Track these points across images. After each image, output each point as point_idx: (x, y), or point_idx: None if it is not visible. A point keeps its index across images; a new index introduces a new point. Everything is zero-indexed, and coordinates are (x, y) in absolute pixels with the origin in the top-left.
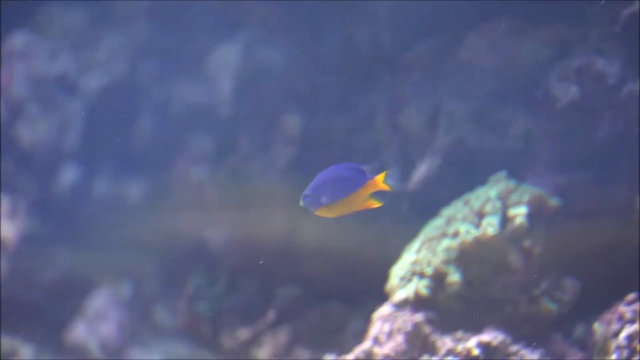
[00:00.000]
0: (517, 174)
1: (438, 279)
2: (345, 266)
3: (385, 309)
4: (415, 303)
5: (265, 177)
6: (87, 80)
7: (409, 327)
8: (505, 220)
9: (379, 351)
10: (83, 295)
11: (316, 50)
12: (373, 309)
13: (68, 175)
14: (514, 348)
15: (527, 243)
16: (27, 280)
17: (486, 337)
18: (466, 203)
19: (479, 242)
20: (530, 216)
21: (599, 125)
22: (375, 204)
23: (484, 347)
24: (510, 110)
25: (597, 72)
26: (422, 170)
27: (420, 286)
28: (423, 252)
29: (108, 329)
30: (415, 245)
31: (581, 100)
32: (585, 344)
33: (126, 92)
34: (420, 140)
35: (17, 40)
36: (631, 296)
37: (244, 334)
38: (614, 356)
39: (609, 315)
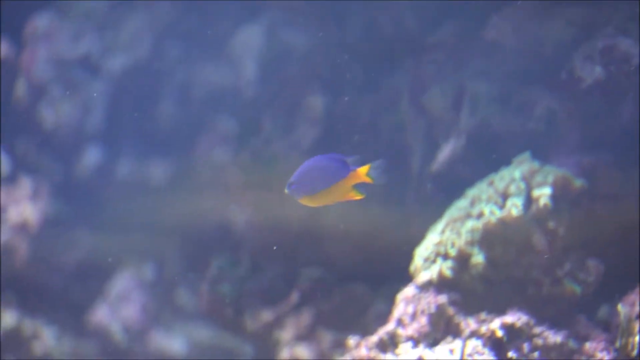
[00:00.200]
0: (541, 155)
1: (462, 260)
2: (368, 247)
3: (408, 291)
4: (439, 284)
5: (288, 159)
6: (110, 62)
7: (432, 308)
8: (529, 201)
9: (403, 333)
10: (105, 278)
11: (340, 32)
12: (396, 290)
13: (91, 157)
14: (537, 329)
15: (551, 224)
16: (50, 263)
17: (510, 318)
18: (490, 184)
19: (503, 223)
20: (554, 197)
21: (624, 106)
22: (357, 196)
23: (508, 328)
24: (534, 91)
25: (621, 53)
26: (446, 152)
27: (444, 267)
28: (447, 233)
29: (130, 312)
30: (439, 226)
31: (606, 81)
32: (609, 325)
33: (149, 73)
34: (445, 122)
35: (40, 21)
36: None
37: (266, 316)
38: (638, 337)
39: (632, 297)
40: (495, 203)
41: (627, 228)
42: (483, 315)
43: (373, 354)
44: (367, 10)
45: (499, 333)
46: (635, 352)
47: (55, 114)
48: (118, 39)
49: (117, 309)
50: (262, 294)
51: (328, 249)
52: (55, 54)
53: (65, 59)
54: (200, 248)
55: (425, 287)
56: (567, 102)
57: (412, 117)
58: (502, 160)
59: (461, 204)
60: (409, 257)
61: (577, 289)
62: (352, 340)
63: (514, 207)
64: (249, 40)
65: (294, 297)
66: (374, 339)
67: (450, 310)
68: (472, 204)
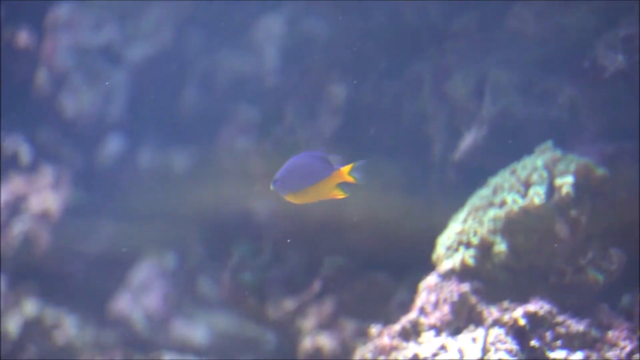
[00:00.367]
0: (564, 143)
1: (484, 249)
2: (391, 236)
3: (431, 279)
4: (462, 273)
5: (310, 147)
6: (132, 50)
7: (455, 297)
8: (551, 189)
9: (425, 321)
10: (127, 267)
11: (362, 20)
12: (419, 279)
13: (112, 145)
14: (560, 318)
15: (573, 213)
16: (71, 252)
17: (532, 307)
18: (513, 172)
19: (525, 212)
20: (577, 186)
21: None
22: (341, 195)
23: (530, 317)
24: (556, 80)
25: None
26: (468, 140)
27: (466, 256)
28: (469, 222)
29: (152, 301)
30: (462, 214)
31: (628, 70)
32: (631, 314)
33: (171, 62)
34: (467, 110)
35: (62, 10)
36: None
37: (289, 304)
38: None
39: None
40: (518, 192)
41: None
42: (506, 304)
43: (396, 342)
44: None
45: (522, 322)
46: None
47: (76, 102)
48: (140, 28)
49: (139, 298)
50: (284, 283)
51: (350, 238)
52: (77, 43)
53: (87, 47)
54: (221, 237)
55: (447, 275)
56: (589, 90)
57: (435, 106)
58: (525, 149)
59: (483, 193)
60: (431, 245)
61: (600, 278)
62: (374, 329)
63: (537, 195)
64: (271, 29)
65: (316, 285)
66: (396, 327)
67: (473, 299)
68: (495, 192)
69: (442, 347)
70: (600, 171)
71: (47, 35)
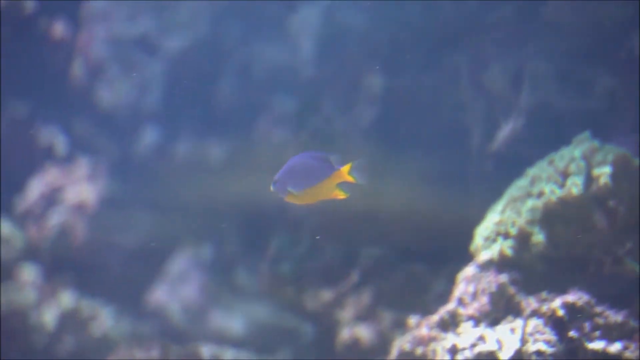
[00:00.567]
0: (601, 133)
1: (522, 239)
2: (429, 226)
3: (469, 270)
4: (500, 263)
5: (347, 138)
6: (168, 41)
7: (493, 287)
8: (589, 180)
9: (464, 312)
10: (164, 258)
11: (399, 11)
12: (457, 269)
13: (148, 137)
14: (598, 309)
15: (611, 203)
16: (107, 243)
17: (571, 297)
18: (550, 163)
19: (563, 202)
20: (614, 176)
21: None
22: (342, 195)
23: (569, 307)
24: (594, 70)
25: None
26: (506, 131)
27: (504, 246)
28: (507, 213)
29: (189, 292)
30: (500, 205)
31: None
32: None
33: (207, 53)
34: (504, 101)
35: (97, 1)
36: None
37: (327, 295)
38: None
39: None
40: (556, 182)
41: None
42: (544, 295)
43: (434, 333)
44: None
45: (560, 312)
46: None
47: (112, 93)
48: (176, 19)
49: (176, 289)
50: (322, 273)
51: (388, 228)
52: (112, 34)
53: (122, 38)
54: (258, 228)
55: (486, 266)
56: (627, 80)
57: (472, 96)
58: (562, 140)
59: (521, 183)
60: (469, 236)
61: (638, 268)
62: (412, 320)
63: (574, 186)
64: (307, 20)
65: (354, 276)
66: (434, 318)
67: (511, 290)
68: (533, 183)
69: (481, 338)
70: (638, 162)
71: (82, 26)
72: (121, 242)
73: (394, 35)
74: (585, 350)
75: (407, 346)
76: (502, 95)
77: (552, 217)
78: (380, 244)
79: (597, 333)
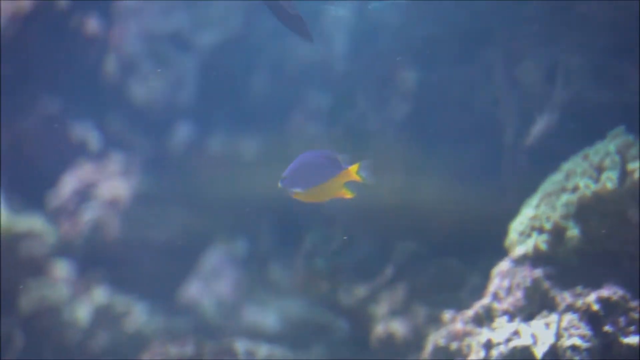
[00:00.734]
0: (636, 128)
1: (557, 234)
2: (463, 221)
3: (504, 265)
4: (535, 258)
5: (382, 133)
6: (201, 37)
7: (528, 282)
8: (624, 174)
9: (498, 307)
10: (197, 253)
11: (432, 6)
12: (491, 264)
13: (182, 132)
14: (633, 303)
15: None
16: (141, 239)
17: (606, 292)
18: (585, 158)
19: (598, 197)
20: None
21: None
22: (348, 195)
23: (604, 302)
24: (627, 65)
25: None
26: (540, 125)
27: (539, 241)
28: (542, 207)
29: (223, 287)
30: (535, 200)
31: None
32: None
33: (240, 48)
34: (538, 95)
35: None
36: None
37: (361, 290)
38: None
39: None
40: (590, 177)
41: None
42: (579, 289)
43: (469, 327)
44: None
45: (595, 307)
46: None
47: (145, 89)
48: (209, 15)
49: (209, 284)
50: (356, 269)
51: (422, 223)
52: (145, 30)
53: (155, 34)
54: (292, 223)
55: (520, 261)
56: None
57: (506, 91)
58: (596, 134)
59: (556, 178)
60: (503, 231)
61: None
62: (447, 315)
63: (609, 180)
64: (340, 15)
65: (389, 271)
66: (469, 313)
67: (546, 284)
68: (567, 177)
69: (516, 333)
70: None
71: (115, 22)
72: (154, 238)
73: (428, 30)
74: (620, 345)
75: (441, 341)
76: (536, 90)
77: (586, 211)
78: (414, 239)
79: (632, 328)
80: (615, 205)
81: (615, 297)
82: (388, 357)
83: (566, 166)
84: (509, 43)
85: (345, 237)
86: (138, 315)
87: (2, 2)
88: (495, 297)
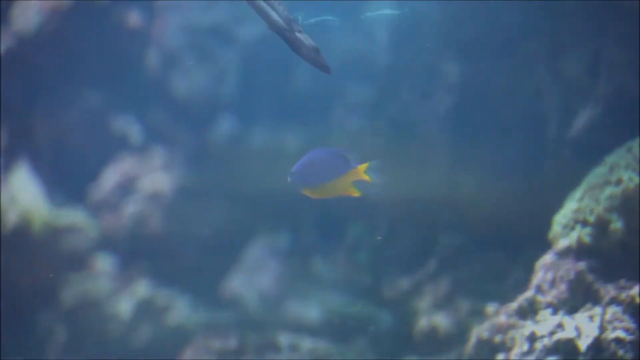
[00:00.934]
0: None
1: (601, 227)
2: (506, 214)
3: (547, 258)
4: (578, 251)
5: (425, 125)
6: (242, 31)
7: (571, 275)
8: None
9: (542, 299)
10: (240, 247)
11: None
12: (534, 257)
13: (224, 126)
14: None
15: None
16: (183, 232)
17: None
18: (629, 150)
19: None
20: None
21: None
22: (356, 193)
23: None
24: None
25: None
26: (583, 118)
27: (582, 234)
28: (586, 200)
29: (266, 281)
30: (578, 193)
31: None
32: None
33: (282, 41)
34: (581, 87)
35: None
36: None
37: (404, 283)
38: None
39: None
40: (634, 169)
41: None
42: (622, 282)
43: (512, 320)
44: None
45: (639, 300)
46: None
47: (187, 82)
48: (250, 9)
49: (252, 278)
50: (399, 262)
51: (465, 216)
52: (187, 23)
53: (197, 28)
54: (335, 216)
55: (564, 253)
56: None
57: (549, 84)
58: None
59: (599, 171)
60: (546, 224)
61: None
62: (491, 308)
63: None
64: (383, 7)
65: (432, 264)
66: (513, 306)
67: (589, 277)
68: (611, 170)
69: (559, 325)
70: None
71: (157, 15)
72: (197, 232)
73: (471, 23)
74: None
75: (485, 334)
76: (579, 83)
77: (630, 204)
78: (457, 232)
79: None
80: None
81: None
82: (431, 351)
83: (610, 159)
84: (552, 35)
85: (379, 237)
86: (180, 309)
87: None
88: (539, 290)
